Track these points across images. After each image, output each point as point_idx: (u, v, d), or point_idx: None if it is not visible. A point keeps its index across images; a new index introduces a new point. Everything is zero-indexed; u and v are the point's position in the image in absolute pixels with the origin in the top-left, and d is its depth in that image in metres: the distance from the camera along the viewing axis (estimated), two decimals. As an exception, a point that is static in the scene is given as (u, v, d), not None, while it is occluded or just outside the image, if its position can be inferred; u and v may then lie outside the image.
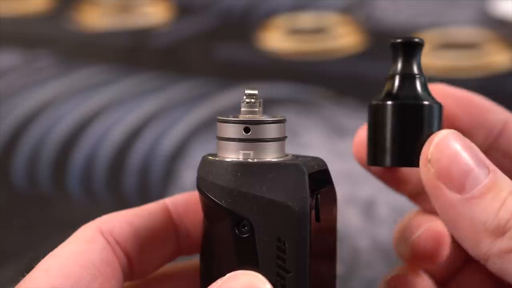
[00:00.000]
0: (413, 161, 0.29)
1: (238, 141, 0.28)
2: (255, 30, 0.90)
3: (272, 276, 0.26)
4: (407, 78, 0.30)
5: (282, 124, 0.29)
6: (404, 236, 0.33)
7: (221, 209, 0.27)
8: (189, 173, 0.61)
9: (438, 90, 0.32)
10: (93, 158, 0.64)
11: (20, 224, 0.59)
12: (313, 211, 0.27)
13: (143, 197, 0.60)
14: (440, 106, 0.30)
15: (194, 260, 0.31)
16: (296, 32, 0.88)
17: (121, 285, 0.29)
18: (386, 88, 0.30)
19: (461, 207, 0.26)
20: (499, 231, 0.26)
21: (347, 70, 0.79)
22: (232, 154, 0.28)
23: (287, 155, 0.29)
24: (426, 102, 0.29)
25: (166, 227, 0.30)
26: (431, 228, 0.32)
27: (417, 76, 0.30)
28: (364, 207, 0.57)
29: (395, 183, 0.34)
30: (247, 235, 0.27)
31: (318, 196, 0.28)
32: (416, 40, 0.31)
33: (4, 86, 0.76)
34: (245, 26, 0.93)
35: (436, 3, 0.96)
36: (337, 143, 0.64)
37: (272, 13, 0.94)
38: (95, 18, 0.96)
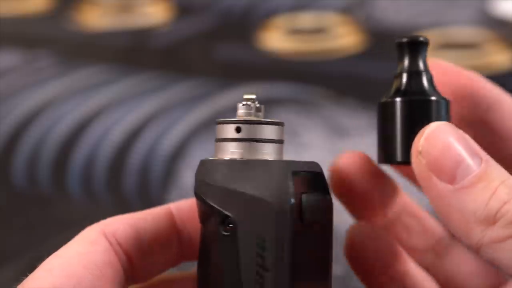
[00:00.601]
0: None
1: (230, 141, 0.28)
2: (255, 30, 0.90)
3: (251, 275, 0.26)
4: (414, 75, 0.31)
5: (277, 126, 0.29)
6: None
7: (207, 207, 0.28)
8: (189, 173, 0.61)
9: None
10: (93, 158, 0.64)
11: (20, 224, 0.59)
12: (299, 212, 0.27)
13: (143, 197, 0.60)
14: (447, 101, 0.31)
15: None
16: (296, 32, 0.88)
17: (122, 286, 0.29)
18: (394, 86, 0.31)
19: (452, 197, 0.27)
20: (490, 221, 0.26)
21: (347, 70, 0.79)
22: (225, 154, 0.28)
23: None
24: (433, 98, 0.30)
25: (169, 231, 0.31)
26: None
27: (424, 72, 0.31)
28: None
29: (411, 177, 0.34)
30: (229, 233, 0.27)
31: (304, 196, 0.27)
32: (421, 39, 0.31)
33: (4, 86, 0.76)
34: (245, 26, 0.93)
35: (436, 3, 0.96)
36: (337, 143, 0.64)
37: (272, 13, 0.94)
38: (95, 18, 0.96)
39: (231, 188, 0.27)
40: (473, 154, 0.27)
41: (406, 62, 0.31)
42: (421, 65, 0.31)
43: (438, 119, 0.30)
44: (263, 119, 0.29)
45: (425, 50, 0.31)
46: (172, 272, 0.32)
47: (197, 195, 0.28)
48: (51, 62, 0.83)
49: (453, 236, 0.34)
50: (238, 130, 0.28)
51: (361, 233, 0.34)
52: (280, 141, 0.29)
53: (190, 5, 1.00)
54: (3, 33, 0.92)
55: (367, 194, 0.34)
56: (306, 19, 0.93)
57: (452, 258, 0.35)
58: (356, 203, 0.34)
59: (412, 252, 0.35)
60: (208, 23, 0.94)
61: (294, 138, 0.64)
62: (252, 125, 0.28)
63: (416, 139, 0.28)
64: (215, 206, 0.27)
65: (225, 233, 0.27)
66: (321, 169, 0.29)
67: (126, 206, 0.60)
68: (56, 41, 0.90)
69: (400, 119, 0.30)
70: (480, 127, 0.32)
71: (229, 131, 0.28)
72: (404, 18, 0.93)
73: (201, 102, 0.70)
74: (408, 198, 0.35)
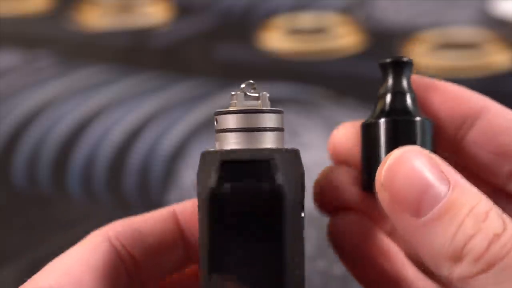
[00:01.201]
0: None
1: (228, 132, 0.28)
2: (255, 30, 0.90)
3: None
4: (399, 95, 0.30)
5: (276, 114, 0.28)
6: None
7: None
8: (189, 173, 0.61)
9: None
10: (93, 158, 0.64)
11: (20, 224, 0.59)
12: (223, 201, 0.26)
13: (143, 197, 0.60)
14: (431, 122, 0.30)
15: None
16: (296, 32, 0.88)
17: None
18: (378, 106, 0.30)
19: (419, 231, 0.25)
20: (457, 257, 0.24)
21: (347, 70, 0.79)
22: (223, 145, 0.28)
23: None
24: (418, 118, 0.29)
25: (174, 232, 0.31)
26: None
27: (408, 93, 0.30)
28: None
29: None
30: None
31: (228, 185, 0.26)
32: (405, 59, 0.31)
33: (4, 86, 0.76)
34: (245, 26, 0.93)
35: (436, 3, 0.96)
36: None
37: (272, 13, 0.94)
38: (95, 18, 0.96)
39: (197, 179, 0.27)
40: (441, 179, 0.25)
41: (389, 82, 0.30)
42: (405, 85, 0.30)
43: (423, 140, 0.29)
44: (261, 108, 0.28)
45: (410, 70, 0.31)
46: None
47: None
48: (51, 62, 0.83)
49: None
50: (215, 121, 0.28)
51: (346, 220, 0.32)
52: (280, 129, 0.29)
53: (190, 5, 1.00)
54: (3, 33, 0.92)
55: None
56: (306, 19, 0.93)
57: None
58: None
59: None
60: (208, 23, 0.94)
61: (294, 138, 0.64)
62: (221, 115, 0.28)
63: (378, 169, 0.26)
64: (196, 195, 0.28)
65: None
66: (273, 156, 0.27)
67: (126, 206, 0.60)
68: (56, 41, 0.90)
69: (384, 141, 0.29)
70: (468, 144, 0.30)
71: (226, 121, 0.28)
72: (404, 18, 0.93)
73: (201, 102, 0.70)
74: None
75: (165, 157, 0.62)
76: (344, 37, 0.87)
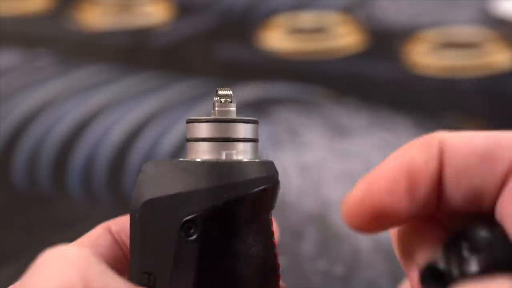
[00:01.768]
0: None
1: (200, 141, 0.27)
2: (255, 30, 0.90)
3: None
4: None
5: (251, 125, 0.27)
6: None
7: None
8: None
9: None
10: (93, 158, 0.64)
11: (20, 224, 0.59)
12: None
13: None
14: None
15: None
16: (296, 31, 0.88)
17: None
18: None
19: None
20: None
21: (347, 70, 0.79)
22: (195, 155, 0.28)
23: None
24: None
25: None
26: None
27: None
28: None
29: None
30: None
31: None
32: None
33: (4, 86, 0.76)
34: (246, 25, 0.93)
35: (437, 3, 0.96)
36: (338, 142, 0.64)
37: (272, 12, 0.94)
38: (95, 18, 0.96)
39: None
40: None
41: None
42: None
43: None
44: (236, 117, 0.27)
45: None
46: None
47: None
48: (51, 61, 0.83)
49: None
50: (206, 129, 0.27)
51: None
52: (254, 140, 0.27)
53: (190, 5, 1.00)
54: (3, 33, 0.92)
55: None
56: (307, 18, 0.93)
57: None
58: None
59: None
60: (208, 23, 0.94)
61: (294, 138, 0.63)
62: (223, 123, 0.26)
63: None
64: None
65: None
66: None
67: (126, 206, 0.60)
68: (56, 40, 0.90)
69: None
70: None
71: (199, 130, 0.27)
72: (404, 18, 0.93)
73: (201, 102, 0.70)
74: None
75: (165, 157, 0.62)
76: (344, 37, 0.87)
